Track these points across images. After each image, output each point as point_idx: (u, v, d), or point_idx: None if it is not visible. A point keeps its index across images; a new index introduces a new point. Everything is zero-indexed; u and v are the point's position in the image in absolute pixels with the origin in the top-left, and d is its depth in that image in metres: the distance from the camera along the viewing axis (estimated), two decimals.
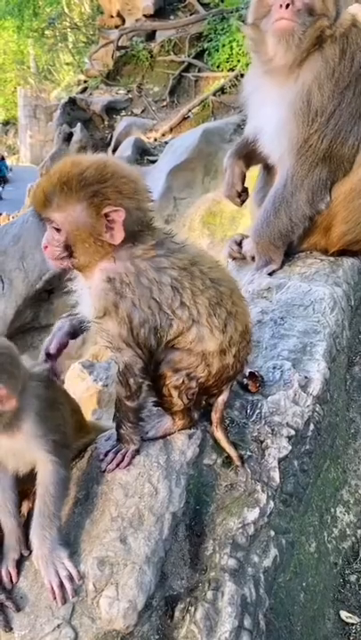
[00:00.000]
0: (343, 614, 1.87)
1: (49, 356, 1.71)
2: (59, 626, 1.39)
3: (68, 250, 1.50)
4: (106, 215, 1.47)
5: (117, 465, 1.61)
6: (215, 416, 1.71)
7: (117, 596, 1.39)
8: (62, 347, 1.72)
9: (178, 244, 1.61)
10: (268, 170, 2.89)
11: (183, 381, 1.59)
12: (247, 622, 1.44)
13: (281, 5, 2.36)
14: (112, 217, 1.47)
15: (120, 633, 1.37)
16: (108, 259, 1.51)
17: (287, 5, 2.36)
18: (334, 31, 2.41)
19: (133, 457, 1.62)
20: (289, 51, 2.41)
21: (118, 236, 1.49)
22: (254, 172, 3.00)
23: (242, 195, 2.93)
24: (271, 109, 2.55)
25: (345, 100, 2.43)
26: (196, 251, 1.66)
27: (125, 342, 1.53)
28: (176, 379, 1.59)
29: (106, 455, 1.63)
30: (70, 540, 1.52)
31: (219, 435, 1.71)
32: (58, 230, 1.49)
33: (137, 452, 1.63)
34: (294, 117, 2.44)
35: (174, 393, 1.61)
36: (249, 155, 2.86)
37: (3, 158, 22.27)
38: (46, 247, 1.52)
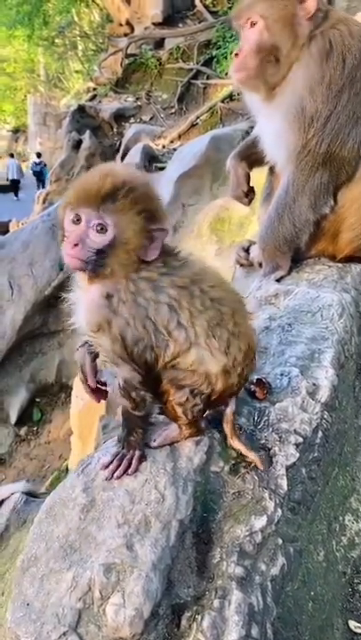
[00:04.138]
0: (352, 624, 1.85)
1: (94, 391, 1.71)
2: (65, 633, 1.38)
3: (100, 255, 1.43)
4: (149, 231, 1.46)
5: (125, 471, 1.60)
6: (227, 427, 1.69)
7: (124, 604, 1.38)
8: (96, 374, 1.69)
9: (181, 260, 1.57)
10: (274, 175, 2.91)
11: (187, 398, 1.56)
12: (255, 631, 1.43)
13: (235, 53, 2.51)
14: (156, 235, 1.47)
15: None
16: (120, 275, 1.47)
17: (236, 54, 2.50)
18: (304, 43, 2.42)
19: (140, 462, 1.62)
20: (259, 91, 2.55)
21: (153, 253, 1.48)
22: (261, 179, 3.02)
23: (249, 194, 2.97)
24: (267, 121, 2.61)
25: (341, 103, 2.43)
26: (199, 267, 1.60)
27: (121, 358, 1.50)
28: (180, 396, 1.56)
29: (110, 463, 1.62)
30: (76, 547, 1.52)
31: (237, 444, 1.68)
32: (102, 231, 1.42)
33: (144, 457, 1.63)
34: (290, 126, 2.46)
35: (179, 409, 1.58)
36: (251, 156, 2.90)
37: (45, 164, 23.08)
38: (76, 245, 1.42)
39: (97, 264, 1.44)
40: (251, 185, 2.97)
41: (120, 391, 1.55)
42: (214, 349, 1.54)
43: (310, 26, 2.42)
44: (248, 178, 2.95)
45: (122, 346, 1.48)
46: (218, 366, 1.55)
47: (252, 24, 2.45)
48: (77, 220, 1.44)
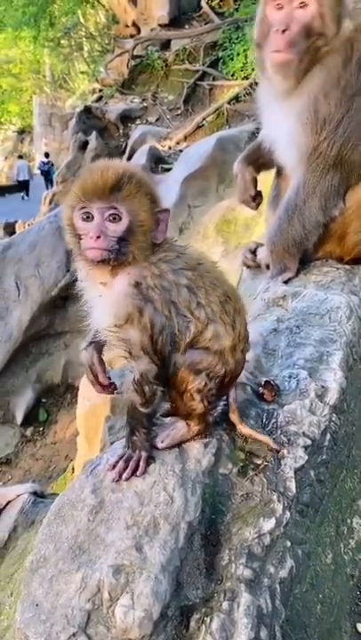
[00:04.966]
0: (360, 627, 1.84)
1: (104, 387, 1.73)
2: (74, 634, 1.38)
3: (121, 243, 1.48)
4: (155, 213, 1.51)
5: (132, 473, 1.60)
6: (234, 415, 1.73)
7: (133, 605, 1.38)
8: (104, 371, 1.72)
9: (182, 246, 1.64)
10: (282, 177, 2.91)
11: (205, 383, 1.59)
12: (263, 634, 1.43)
13: (277, 30, 2.33)
14: (162, 216, 1.53)
15: None
16: (140, 261, 1.52)
17: (283, 31, 2.33)
18: (335, 43, 2.37)
19: (148, 464, 1.62)
20: (286, 80, 2.43)
21: (162, 235, 1.54)
22: (269, 181, 3.02)
23: (256, 198, 2.97)
24: (280, 122, 2.57)
25: (353, 107, 2.42)
26: (197, 252, 1.68)
27: (144, 350, 1.52)
28: (198, 382, 1.58)
29: (115, 465, 1.63)
30: (85, 548, 1.52)
31: (247, 431, 1.73)
32: (117, 220, 1.47)
33: (152, 459, 1.63)
34: (303, 128, 2.45)
35: (197, 397, 1.60)
36: (258, 160, 2.89)
37: (52, 164, 23.40)
38: (98, 237, 1.46)
39: (120, 252, 1.48)
40: (258, 189, 2.97)
41: (133, 385, 1.56)
42: (227, 324, 1.60)
43: (351, 23, 2.37)
44: (255, 182, 2.95)
45: (149, 336, 1.51)
46: (229, 340, 1.60)
47: (303, 5, 2.32)
48: (88, 217, 1.48)
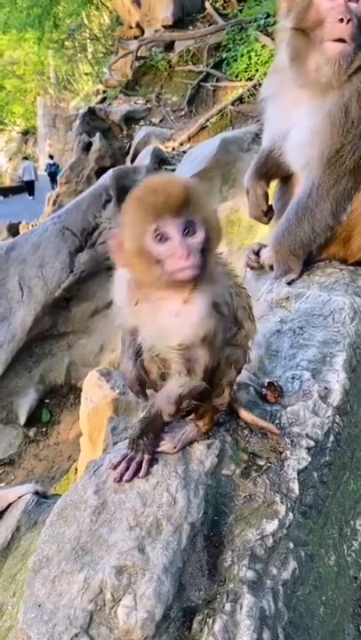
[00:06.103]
0: None
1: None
2: (76, 635, 1.38)
3: (204, 254, 1.37)
4: None
5: (134, 474, 1.60)
6: (235, 404, 1.76)
7: (135, 606, 1.38)
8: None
9: None
10: (286, 179, 2.89)
11: (234, 376, 1.63)
12: (266, 636, 1.42)
13: (342, 20, 2.25)
14: None
15: None
16: (212, 272, 1.44)
17: (348, 21, 2.25)
18: None
19: (151, 465, 1.62)
20: (337, 73, 2.34)
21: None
22: (273, 182, 3.01)
23: (268, 213, 2.94)
24: (303, 117, 2.49)
25: None
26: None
27: (206, 371, 1.50)
28: (231, 374, 1.61)
29: (118, 465, 1.63)
30: (88, 549, 1.52)
31: (247, 416, 1.76)
32: (193, 233, 1.36)
33: (155, 460, 1.63)
34: (331, 127, 2.39)
35: (226, 390, 1.63)
36: (268, 173, 2.86)
37: (58, 165, 23.60)
38: (188, 255, 1.34)
39: (204, 265, 1.38)
40: (269, 204, 2.95)
41: (176, 398, 1.53)
42: (253, 321, 1.63)
43: None
44: (267, 197, 2.93)
45: (214, 356, 1.49)
46: (255, 335, 1.63)
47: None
48: (162, 239, 1.35)
